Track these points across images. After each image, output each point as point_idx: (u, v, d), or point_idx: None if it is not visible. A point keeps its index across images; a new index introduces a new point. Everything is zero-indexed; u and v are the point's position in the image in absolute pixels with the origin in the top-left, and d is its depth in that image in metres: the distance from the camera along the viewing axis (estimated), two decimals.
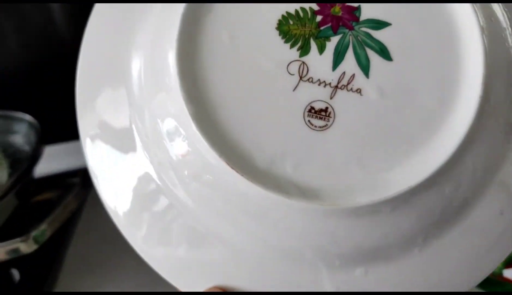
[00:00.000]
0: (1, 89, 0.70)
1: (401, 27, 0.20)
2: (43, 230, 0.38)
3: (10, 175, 0.44)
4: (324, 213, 0.19)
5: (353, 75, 0.20)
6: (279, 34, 0.20)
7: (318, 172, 0.19)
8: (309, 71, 0.20)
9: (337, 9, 0.20)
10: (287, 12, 0.20)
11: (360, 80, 0.20)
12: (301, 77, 0.20)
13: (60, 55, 0.70)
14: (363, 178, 0.19)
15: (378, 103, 0.20)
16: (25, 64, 0.70)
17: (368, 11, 0.20)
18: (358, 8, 0.20)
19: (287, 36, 0.20)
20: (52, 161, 0.70)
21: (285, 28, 0.20)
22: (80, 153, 0.74)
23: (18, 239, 0.38)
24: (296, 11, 0.20)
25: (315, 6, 0.20)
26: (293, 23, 0.20)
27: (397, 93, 0.20)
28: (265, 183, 0.19)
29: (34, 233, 0.38)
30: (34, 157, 0.44)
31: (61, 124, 0.76)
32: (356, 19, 0.20)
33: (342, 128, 0.20)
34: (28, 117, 0.52)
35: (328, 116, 0.20)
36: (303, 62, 0.20)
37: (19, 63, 0.70)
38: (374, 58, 0.20)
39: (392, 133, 0.20)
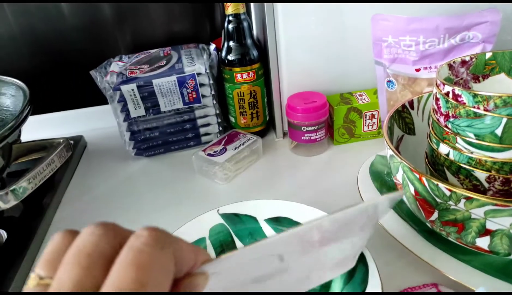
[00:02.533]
0: None
1: None
2: (23, 185, 0.37)
3: None
4: None
5: None
6: None
7: None
8: None
9: None
10: None
11: None
12: None
13: (57, 28, 0.68)
14: None
15: None
16: (20, 33, 0.67)
17: None
18: None
19: None
20: (40, 129, 0.69)
21: None
22: (66, 123, 0.73)
23: None
24: None
25: None
26: None
27: None
28: None
29: (12, 188, 0.36)
30: (20, 117, 0.42)
31: (52, 95, 0.74)
32: None
33: None
34: (17, 81, 0.50)
35: None
36: None
37: (14, 31, 0.67)
38: None
39: None
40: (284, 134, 0.65)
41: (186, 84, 0.58)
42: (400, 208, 0.43)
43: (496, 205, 0.29)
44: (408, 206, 0.39)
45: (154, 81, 0.57)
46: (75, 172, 0.63)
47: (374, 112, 0.59)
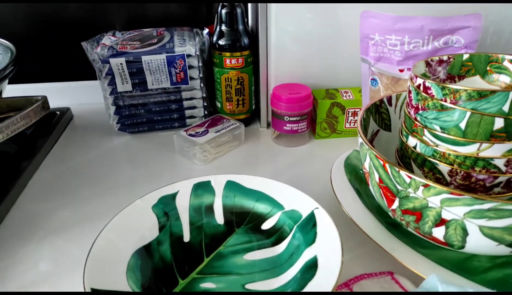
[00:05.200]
0: None
1: None
2: None
3: None
4: None
5: None
6: None
7: None
8: None
9: None
10: None
11: None
12: None
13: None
14: None
15: None
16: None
17: None
18: None
19: None
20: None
21: None
22: (56, 94, 0.73)
23: None
24: None
25: None
26: None
27: None
28: None
29: None
30: (2, 73, 0.43)
31: (43, 65, 0.74)
32: None
33: None
34: (4, 42, 0.51)
35: None
36: None
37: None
38: None
39: None
40: (268, 124, 0.65)
41: (175, 64, 0.59)
42: (368, 201, 0.43)
43: (451, 193, 0.30)
44: (374, 196, 0.40)
45: (144, 58, 0.58)
46: (57, 142, 0.63)
47: (357, 110, 0.59)
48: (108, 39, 0.61)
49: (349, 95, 0.60)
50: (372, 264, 0.38)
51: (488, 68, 0.40)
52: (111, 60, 0.57)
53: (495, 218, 0.29)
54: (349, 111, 0.59)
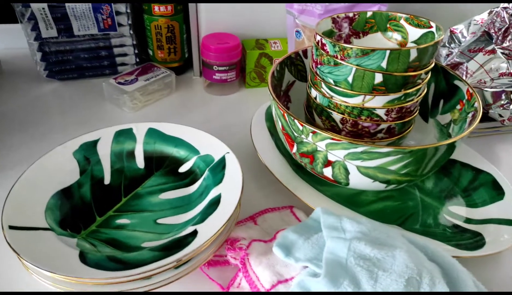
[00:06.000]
0: None
1: None
2: None
3: None
4: None
5: None
6: None
7: None
8: None
9: None
10: None
11: None
12: None
13: None
14: None
15: None
16: None
17: None
18: None
19: None
20: None
21: None
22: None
23: None
24: None
25: None
26: None
27: None
28: None
29: None
30: None
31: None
32: None
33: None
34: None
35: None
36: None
37: None
38: None
39: None
40: (201, 73, 0.67)
41: (101, 10, 0.58)
42: (282, 146, 0.48)
43: (332, 139, 0.35)
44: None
45: (67, 3, 0.56)
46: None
47: None
48: None
49: (277, 46, 0.63)
50: (280, 200, 0.44)
51: (388, 25, 0.44)
52: (32, 4, 0.55)
53: (368, 159, 0.35)
54: (276, 61, 0.63)
